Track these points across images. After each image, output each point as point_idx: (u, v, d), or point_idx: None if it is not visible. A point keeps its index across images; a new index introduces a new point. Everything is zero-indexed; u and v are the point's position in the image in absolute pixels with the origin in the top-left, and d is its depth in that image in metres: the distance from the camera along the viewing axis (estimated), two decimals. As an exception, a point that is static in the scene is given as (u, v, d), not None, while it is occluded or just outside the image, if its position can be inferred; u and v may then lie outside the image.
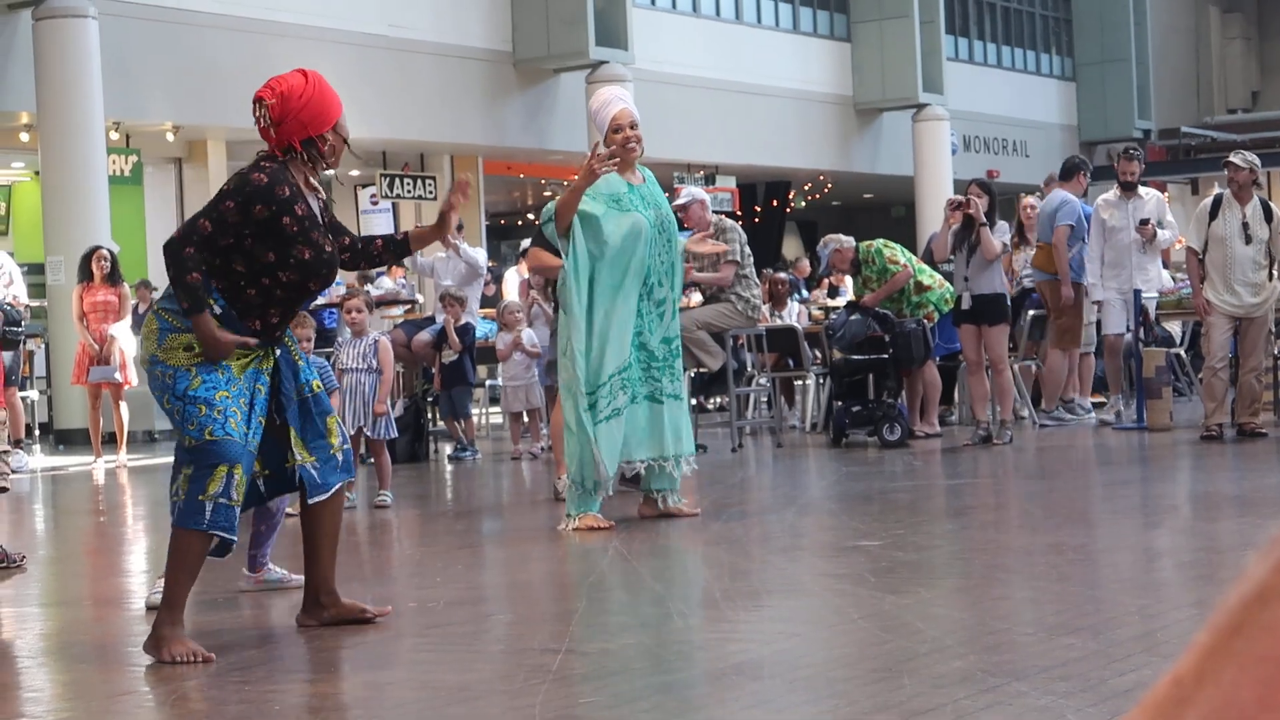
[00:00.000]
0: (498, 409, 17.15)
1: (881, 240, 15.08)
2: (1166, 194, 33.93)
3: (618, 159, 8.74)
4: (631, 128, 8.85)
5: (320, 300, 13.15)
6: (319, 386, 6.11)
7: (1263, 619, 0.76)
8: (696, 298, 15.27)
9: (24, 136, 21.28)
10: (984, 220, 13.28)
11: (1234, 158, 13.02)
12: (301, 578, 6.33)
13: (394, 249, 6.47)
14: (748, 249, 13.67)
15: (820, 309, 19.36)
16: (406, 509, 10.69)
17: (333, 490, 6.03)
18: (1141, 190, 14.70)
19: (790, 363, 15.78)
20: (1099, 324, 15.02)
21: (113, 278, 15.61)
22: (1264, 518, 8.06)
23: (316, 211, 6.01)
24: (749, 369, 15.41)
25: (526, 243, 17.69)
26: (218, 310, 5.80)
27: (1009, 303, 13.93)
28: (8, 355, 14.75)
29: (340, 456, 6.06)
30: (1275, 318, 13.31)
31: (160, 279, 20.52)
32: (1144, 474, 11.37)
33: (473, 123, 25.28)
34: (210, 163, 23.13)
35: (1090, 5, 38.31)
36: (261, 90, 5.99)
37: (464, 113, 25.10)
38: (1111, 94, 37.93)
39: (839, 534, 8.53)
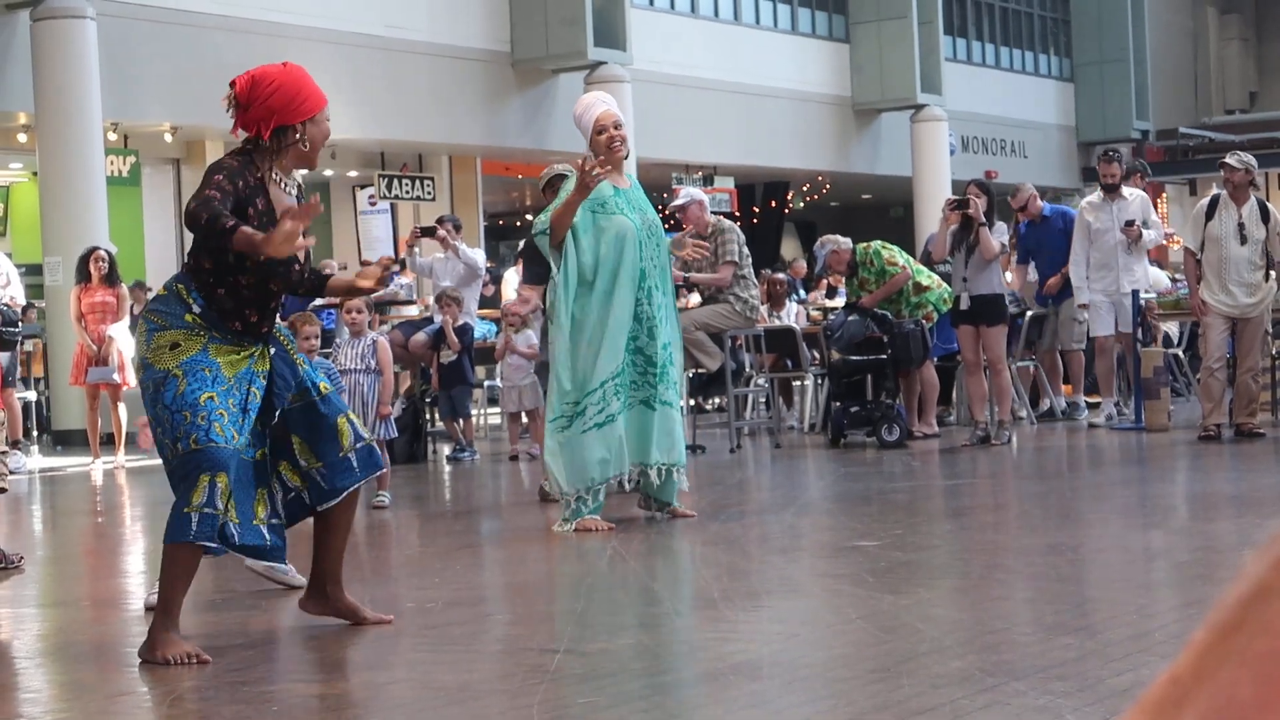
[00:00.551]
0: (496, 410, 17.14)
1: (880, 242, 15.08)
2: (1164, 194, 34.00)
3: (609, 165, 8.71)
4: (615, 128, 8.82)
5: (319, 300, 13.13)
6: (326, 389, 6.03)
7: (1261, 617, 0.76)
8: (695, 298, 15.28)
9: (22, 137, 21.28)
10: (983, 220, 13.29)
11: (1229, 159, 13.03)
12: (304, 579, 6.33)
13: (313, 284, 6.13)
14: (746, 250, 13.68)
15: (818, 310, 19.36)
16: (405, 509, 10.69)
17: (343, 494, 5.97)
18: (1125, 191, 14.71)
19: (789, 363, 15.79)
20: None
21: (110, 278, 15.60)
22: (1262, 517, 8.06)
23: (278, 209, 5.81)
24: (747, 369, 15.40)
25: (524, 244, 17.73)
26: (197, 309, 5.72)
27: (1008, 303, 13.94)
28: (4, 356, 14.75)
29: (353, 457, 5.96)
30: (1272, 318, 13.32)
31: (157, 280, 20.55)
32: (1142, 474, 11.37)
33: (471, 123, 25.27)
34: (208, 163, 23.10)
35: (1088, 6, 38.32)
36: (238, 76, 5.93)
37: (462, 113, 25.09)
38: (1109, 95, 37.93)
39: (837, 534, 8.53)
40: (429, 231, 16.49)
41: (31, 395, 18.62)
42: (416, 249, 16.66)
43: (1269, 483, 10.21)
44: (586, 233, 8.71)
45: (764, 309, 16.56)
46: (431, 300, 16.38)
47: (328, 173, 26.18)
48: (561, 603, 6.76)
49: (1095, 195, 14.87)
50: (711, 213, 14.36)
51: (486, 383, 17.77)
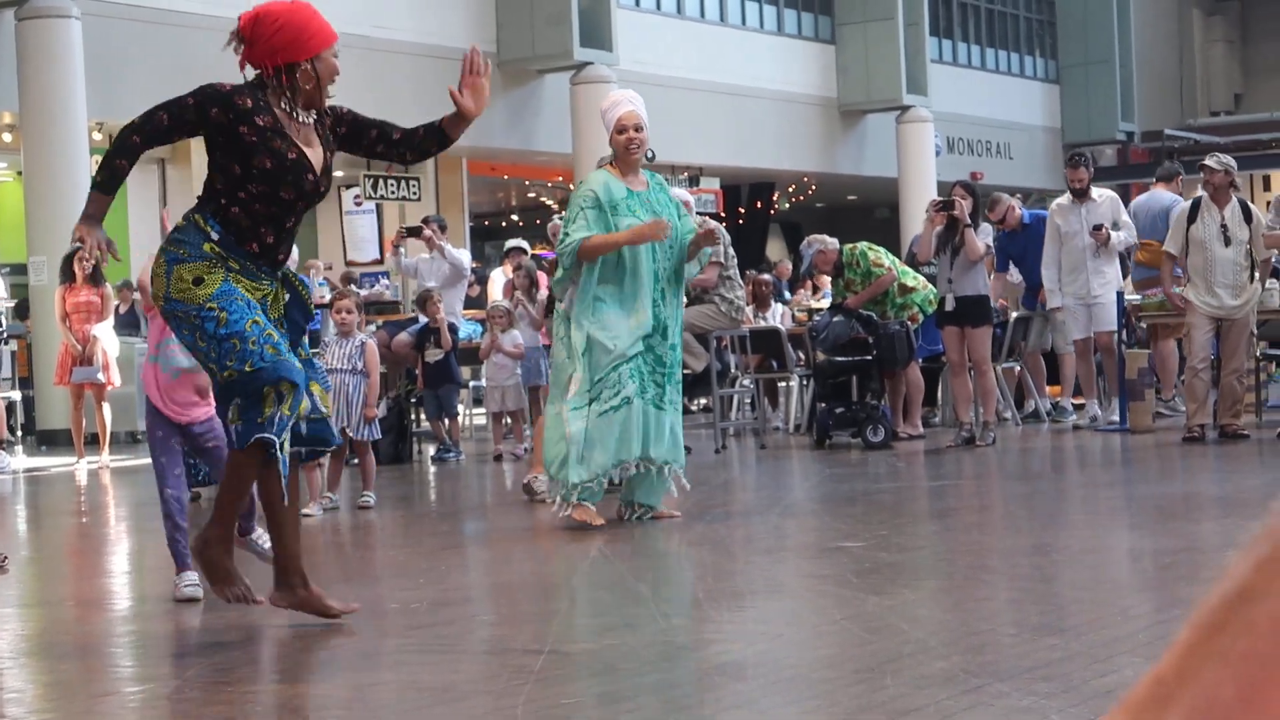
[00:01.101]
0: (482, 410, 17.14)
1: (866, 243, 15.10)
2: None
3: (668, 232, 8.73)
4: (636, 130, 8.93)
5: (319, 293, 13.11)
6: (304, 355, 6.05)
7: (1244, 617, 0.77)
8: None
9: (6, 137, 21.24)
10: (968, 222, 13.31)
11: (1209, 161, 13.05)
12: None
13: (436, 136, 6.39)
14: (731, 250, 13.69)
15: (804, 310, 19.38)
16: (390, 510, 10.68)
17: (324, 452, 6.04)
18: (1094, 193, 14.71)
19: (774, 364, 15.80)
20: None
21: (95, 278, 15.58)
22: (1246, 518, 8.08)
23: (290, 129, 5.89)
24: (732, 370, 15.41)
25: (511, 243, 17.72)
26: (215, 236, 5.76)
27: (992, 304, 13.96)
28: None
29: (303, 425, 5.97)
30: (1257, 319, 13.34)
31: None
32: (1126, 475, 11.39)
33: (456, 123, 25.22)
34: (194, 163, 23.08)
35: (1074, 8, 38.38)
36: (245, 12, 5.93)
37: (447, 113, 25.04)
38: (1095, 96, 37.99)
39: (822, 535, 8.53)
40: (414, 231, 16.48)
41: (16, 395, 18.59)
42: (402, 249, 16.65)
43: (1253, 484, 10.23)
44: (601, 228, 8.75)
45: (749, 310, 16.57)
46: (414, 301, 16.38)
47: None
48: (546, 603, 6.76)
49: (1065, 198, 14.87)
50: (697, 214, 14.36)
51: (472, 383, 17.76)
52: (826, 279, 17.61)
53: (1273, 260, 13.68)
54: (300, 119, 5.94)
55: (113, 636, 6.37)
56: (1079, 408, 15.67)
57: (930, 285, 14.52)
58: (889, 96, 31.99)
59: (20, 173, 20.47)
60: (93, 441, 15.87)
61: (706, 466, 12.84)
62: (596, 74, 25.20)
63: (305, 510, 10.10)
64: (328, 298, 14.76)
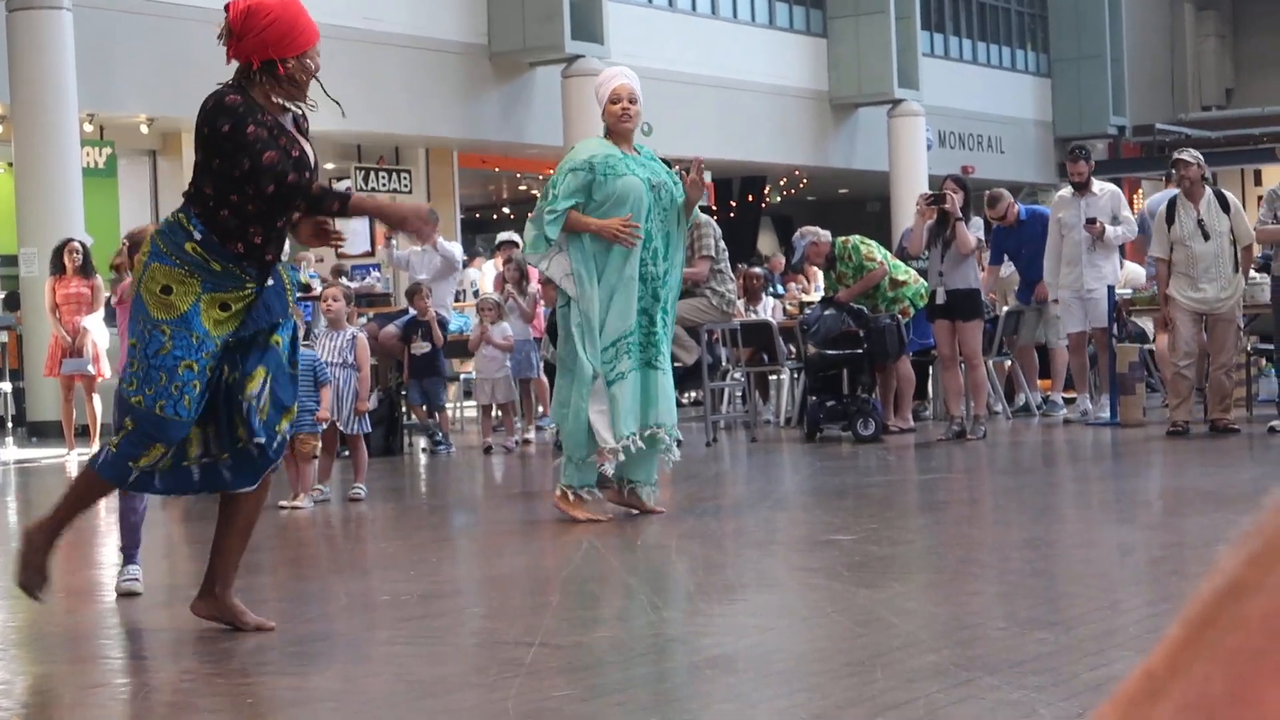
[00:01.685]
0: (472, 403, 17.14)
1: (859, 237, 15.10)
2: (1140, 190, 34.07)
3: (637, 237, 8.74)
4: (631, 101, 8.98)
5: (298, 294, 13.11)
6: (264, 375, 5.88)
7: (1235, 612, 0.77)
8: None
9: (-3, 128, 21.19)
10: (959, 216, 13.31)
11: (1184, 155, 13.08)
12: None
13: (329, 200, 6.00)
14: (722, 244, 13.68)
15: (795, 304, 19.39)
16: (380, 502, 10.68)
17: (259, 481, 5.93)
18: (1096, 186, 14.71)
19: (765, 357, 15.80)
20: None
21: (85, 270, 15.57)
22: (1236, 513, 8.09)
23: (285, 123, 5.87)
24: (723, 364, 15.43)
25: (502, 235, 17.74)
26: (198, 236, 5.70)
27: (983, 298, 13.97)
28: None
29: (252, 448, 5.86)
30: (1246, 313, 13.36)
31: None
32: (1116, 469, 11.40)
33: (448, 116, 25.24)
34: (185, 155, 23.05)
35: (1065, 2, 38.39)
36: (233, 2, 5.88)
37: (439, 106, 25.06)
38: (1086, 90, 38.00)
39: (813, 528, 8.54)
40: (406, 224, 16.41)
41: (6, 387, 18.57)
42: (394, 241, 16.63)
43: (1243, 478, 10.24)
44: (599, 191, 8.75)
45: (740, 303, 16.57)
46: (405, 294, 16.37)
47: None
48: (537, 596, 6.76)
49: (1066, 191, 14.90)
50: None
51: (462, 375, 17.76)
52: (818, 270, 17.61)
53: (1258, 255, 13.68)
54: (283, 117, 5.91)
55: (102, 628, 6.37)
56: (1070, 402, 15.68)
57: (921, 279, 14.53)
58: (880, 90, 31.99)
59: (11, 164, 20.42)
60: (83, 433, 15.85)
61: (697, 460, 12.84)
62: (588, 67, 25.17)
63: (296, 502, 10.10)
64: (318, 290, 14.76)
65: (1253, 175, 36.74)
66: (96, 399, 15.63)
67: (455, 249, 16.82)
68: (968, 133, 35.89)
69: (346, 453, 11.13)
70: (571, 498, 8.75)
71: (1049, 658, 4.80)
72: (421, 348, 14.35)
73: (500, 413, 14.80)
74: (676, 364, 13.77)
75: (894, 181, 31.87)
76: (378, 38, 23.82)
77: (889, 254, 15.24)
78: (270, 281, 5.85)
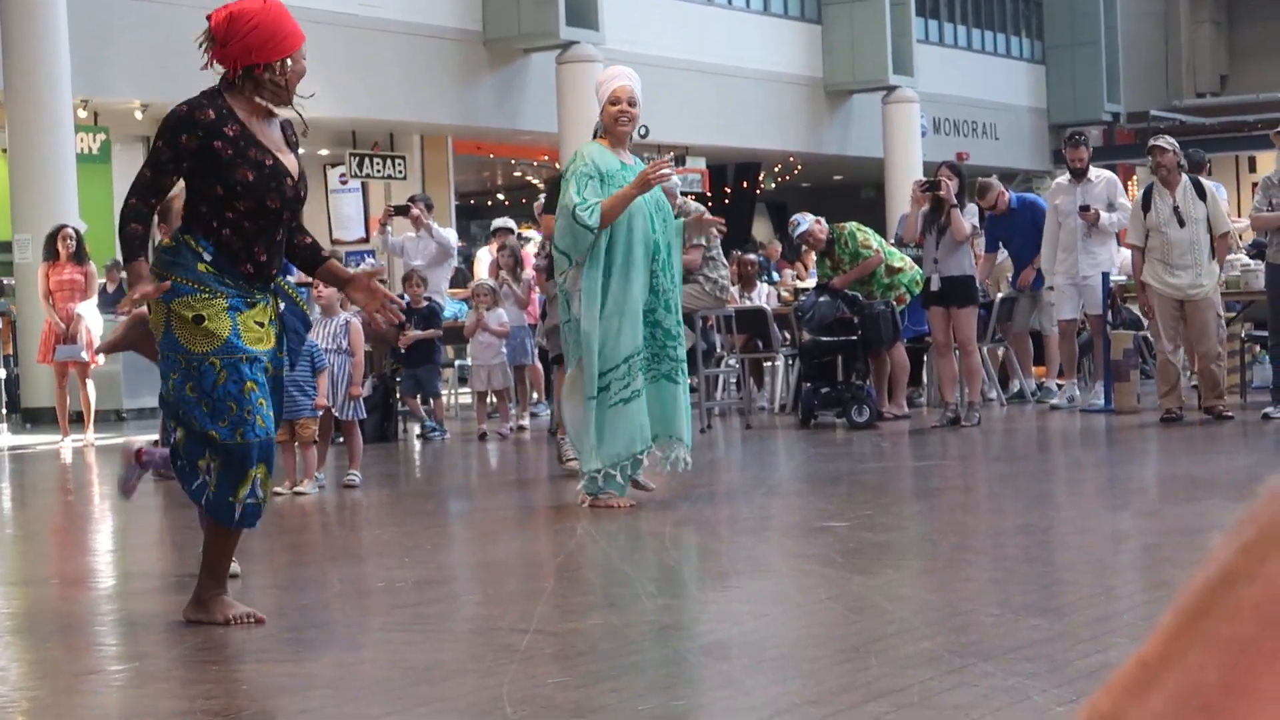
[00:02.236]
0: (467, 389, 17.13)
1: (855, 224, 15.11)
2: (1135, 177, 34.05)
3: (671, 170, 8.77)
4: (630, 104, 8.95)
5: (292, 277, 13.08)
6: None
7: (1228, 601, 0.77)
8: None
9: (-10, 113, 21.15)
10: (954, 202, 13.32)
11: (1160, 141, 13.10)
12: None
13: (310, 258, 6.12)
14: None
15: (789, 290, 19.39)
16: (375, 489, 10.68)
17: None
18: (1093, 173, 14.71)
19: (759, 344, 15.81)
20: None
21: (78, 256, 15.55)
22: (1229, 500, 8.10)
23: (265, 143, 5.79)
24: (718, 350, 15.43)
25: (497, 222, 17.70)
26: (208, 257, 5.67)
27: (978, 284, 13.97)
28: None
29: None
30: (1243, 301, 13.35)
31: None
32: (1111, 456, 11.41)
33: (442, 102, 25.22)
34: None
35: (1060, -12, 38.37)
36: (215, 10, 5.86)
37: (434, 92, 25.03)
38: (1081, 77, 37.98)
39: (807, 515, 8.54)
40: (402, 210, 16.44)
41: (0, 372, 18.55)
42: (389, 228, 16.62)
43: (1237, 465, 10.25)
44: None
45: (735, 290, 16.57)
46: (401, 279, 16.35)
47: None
48: (532, 583, 6.76)
49: (1064, 177, 14.90)
50: (681, 193, 14.35)
51: (457, 362, 17.75)
52: (813, 257, 17.59)
53: (1239, 243, 13.68)
54: (267, 124, 5.85)
55: (97, 615, 6.37)
56: (1063, 388, 15.69)
57: (917, 266, 14.53)
58: (875, 77, 31.97)
59: (4, 150, 20.38)
60: (77, 420, 15.85)
61: (691, 447, 12.84)
62: (583, 53, 25.15)
63: (300, 488, 10.09)
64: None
65: (1247, 162, 36.73)
66: (90, 385, 15.62)
67: (450, 235, 16.81)
68: (962, 119, 35.86)
69: (341, 439, 11.13)
70: (601, 497, 8.72)
71: (1043, 644, 4.81)
72: (415, 335, 14.32)
73: (495, 399, 14.79)
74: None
75: (889, 168, 31.86)
76: (373, 24, 23.79)
77: (884, 241, 15.25)
78: (283, 304, 5.90)
